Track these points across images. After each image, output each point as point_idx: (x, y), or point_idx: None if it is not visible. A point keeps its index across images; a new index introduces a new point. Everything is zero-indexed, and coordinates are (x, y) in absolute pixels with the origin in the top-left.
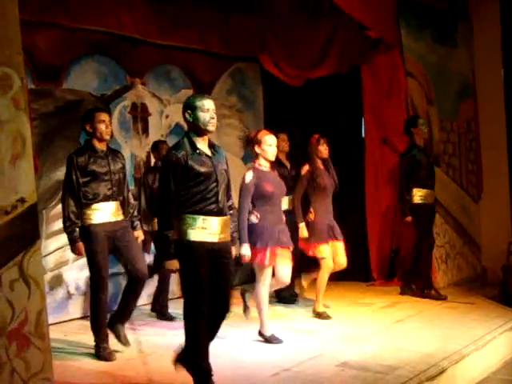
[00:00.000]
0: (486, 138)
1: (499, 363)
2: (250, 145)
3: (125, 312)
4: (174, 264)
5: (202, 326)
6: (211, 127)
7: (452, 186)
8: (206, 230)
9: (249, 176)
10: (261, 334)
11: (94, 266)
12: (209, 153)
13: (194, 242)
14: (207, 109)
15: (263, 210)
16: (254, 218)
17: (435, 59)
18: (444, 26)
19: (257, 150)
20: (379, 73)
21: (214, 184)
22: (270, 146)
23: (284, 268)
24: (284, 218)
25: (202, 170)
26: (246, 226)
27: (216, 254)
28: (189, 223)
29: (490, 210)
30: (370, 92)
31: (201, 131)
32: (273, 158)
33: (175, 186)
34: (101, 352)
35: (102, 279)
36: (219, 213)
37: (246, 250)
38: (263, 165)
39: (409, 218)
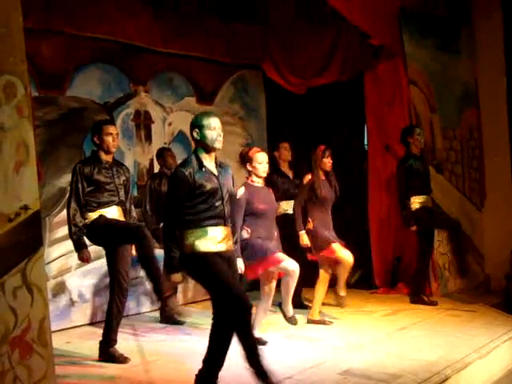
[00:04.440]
0: (489, 146)
1: (502, 371)
2: (242, 162)
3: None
4: (178, 277)
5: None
6: (218, 145)
7: (455, 193)
8: (213, 239)
9: (240, 192)
10: None
11: (114, 270)
12: (215, 171)
13: (204, 252)
14: (214, 127)
15: (254, 225)
16: (244, 234)
17: (438, 67)
18: (447, 33)
19: (248, 167)
20: (382, 80)
21: (220, 201)
22: (260, 163)
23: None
24: (276, 233)
25: (208, 187)
26: (239, 240)
27: (225, 262)
28: (197, 236)
29: (493, 217)
30: (372, 100)
31: (208, 149)
32: (264, 175)
33: (182, 202)
34: (111, 354)
35: (123, 283)
36: (224, 224)
37: (239, 264)
38: (256, 181)
39: (413, 228)
